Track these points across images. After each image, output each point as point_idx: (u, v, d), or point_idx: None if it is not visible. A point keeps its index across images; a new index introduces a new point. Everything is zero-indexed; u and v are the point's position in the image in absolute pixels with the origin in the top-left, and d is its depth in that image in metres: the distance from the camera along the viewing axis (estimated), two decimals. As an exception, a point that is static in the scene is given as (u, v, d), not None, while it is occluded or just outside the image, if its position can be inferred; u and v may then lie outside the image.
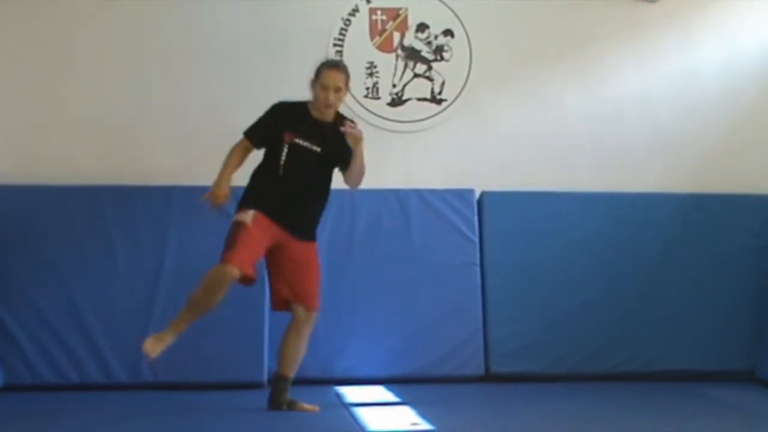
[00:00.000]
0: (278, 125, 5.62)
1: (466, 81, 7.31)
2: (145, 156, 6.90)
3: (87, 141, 6.90)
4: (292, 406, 5.52)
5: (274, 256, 5.64)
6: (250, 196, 5.60)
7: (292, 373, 5.62)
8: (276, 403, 5.53)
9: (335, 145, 5.66)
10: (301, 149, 5.59)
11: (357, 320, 6.72)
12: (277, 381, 5.61)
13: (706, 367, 6.95)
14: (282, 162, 5.56)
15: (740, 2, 7.63)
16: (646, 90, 7.47)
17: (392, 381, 6.59)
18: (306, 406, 5.53)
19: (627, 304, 6.98)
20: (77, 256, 6.52)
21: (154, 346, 5.24)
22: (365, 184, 6.72)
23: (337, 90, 5.62)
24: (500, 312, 6.88)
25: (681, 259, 7.09)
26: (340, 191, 6.72)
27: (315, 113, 5.68)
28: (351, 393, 6.26)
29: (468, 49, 7.33)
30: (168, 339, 5.30)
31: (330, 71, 5.65)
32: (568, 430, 5.08)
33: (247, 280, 5.45)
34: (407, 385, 6.50)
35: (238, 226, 5.42)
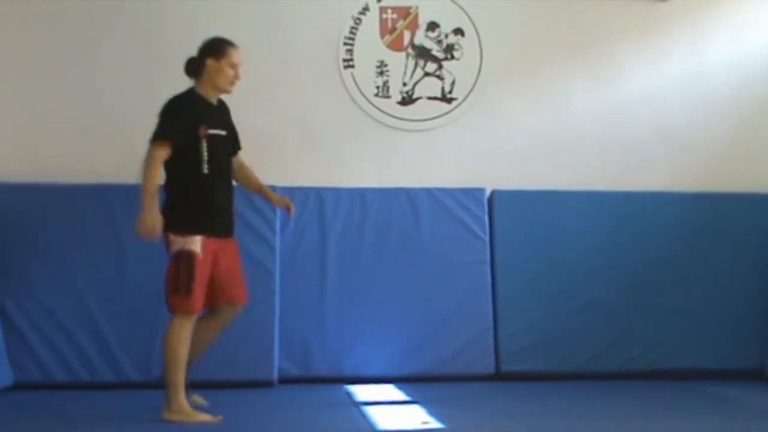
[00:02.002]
0: (188, 121, 5.38)
1: (477, 80, 7.31)
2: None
3: (96, 139, 6.91)
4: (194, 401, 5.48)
5: (209, 266, 5.44)
6: (187, 216, 5.33)
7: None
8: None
9: (229, 123, 5.64)
10: (215, 139, 5.42)
11: (367, 319, 6.73)
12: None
13: (715, 365, 6.94)
14: (205, 158, 5.35)
15: (750, 0, 7.61)
16: (656, 89, 7.46)
17: (402, 379, 6.61)
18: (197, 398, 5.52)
19: (636, 303, 6.98)
20: (87, 254, 6.53)
21: (180, 416, 5.19)
22: (376, 183, 6.77)
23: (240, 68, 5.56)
24: (510, 310, 6.88)
25: (691, 257, 7.09)
26: (350, 191, 6.76)
27: (208, 97, 5.54)
28: (361, 391, 6.28)
29: (478, 48, 7.33)
30: (177, 404, 5.21)
31: (236, 49, 5.55)
32: (578, 428, 5.09)
33: None
34: (417, 383, 6.51)
35: (190, 259, 5.23)
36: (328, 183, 6.89)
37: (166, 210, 5.32)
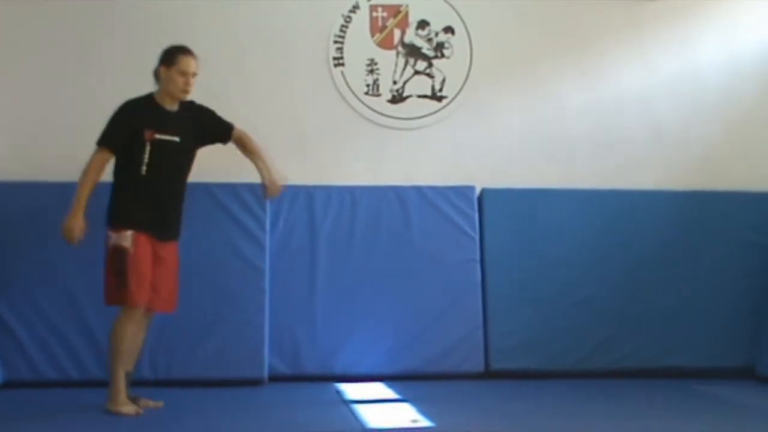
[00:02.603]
0: (134, 125, 5.49)
1: (467, 78, 7.31)
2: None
3: (89, 137, 6.87)
4: (136, 401, 5.49)
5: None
6: (121, 212, 5.46)
7: (132, 367, 5.61)
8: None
9: (190, 130, 5.67)
10: (162, 144, 5.50)
11: (357, 317, 6.73)
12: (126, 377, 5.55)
13: (705, 364, 6.95)
14: (145, 161, 5.44)
15: (740, 0, 7.62)
16: (646, 87, 7.47)
17: (392, 378, 6.60)
18: (150, 402, 5.54)
19: (626, 301, 6.98)
20: (78, 252, 6.49)
21: (120, 407, 5.31)
22: (366, 181, 6.76)
23: (194, 76, 5.62)
24: (500, 309, 6.88)
25: (681, 256, 7.09)
26: (340, 189, 6.75)
27: (165, 103, 5.62)
28: (351, 390, 6.27)
29: (468, 47, 7.33)
30: (120, 394, 5.34)
31: (188, 57, 5.60)
32: (568, 426, 5.09)
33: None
34: (407, 381, 6.50)
35: (122, 254, 5.35)
36: (317, 181, 6.89)
37: (108, 206, 5.51)
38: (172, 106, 5.64)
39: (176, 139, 5.57)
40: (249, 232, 6.59)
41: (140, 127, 5.47)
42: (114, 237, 5.38)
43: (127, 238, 5.35)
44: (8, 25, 6.94)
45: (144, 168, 5.44)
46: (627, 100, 7.46)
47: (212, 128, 5.83)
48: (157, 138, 5.48)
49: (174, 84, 5.57)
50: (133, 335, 5.40)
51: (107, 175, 5.62)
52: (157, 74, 5.65)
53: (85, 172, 5.47)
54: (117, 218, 5.44)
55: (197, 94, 6.82)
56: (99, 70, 6.98)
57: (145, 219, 5.43)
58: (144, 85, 6.93)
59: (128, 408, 5.29)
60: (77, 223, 5.41)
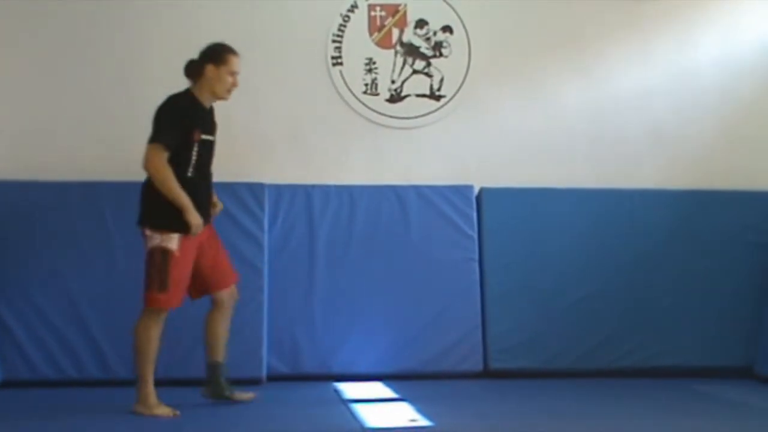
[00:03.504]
0: (186, 124, 5.43)
1: (465, 77, 7.31)
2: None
3: (87, 137, 6.90)
4: (232, 394, 5.59)
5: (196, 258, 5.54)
6: (169, 214, 5.33)
7: (223, 358, 5.64)
8: (220, 389, 5.59)
9: (215, 130, 5.68)
10: (205, 144, 5.50)
11: (355, 316, 6.73)
12: (217, 368, 5.62)
13: (704, 363, 6.95)
14: (192, 163, 5.41)
15: (740, 0, 7.63)
16: (645, 86, 7.46)
17: (391, 377, 6.61)
18: (245, 395, 5.62)
19: (625, 301, 6.99)
20: (76, 251, 6.52)
21: (154, 410, 5.31)
22: (364, 180, 6.76)
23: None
24: (499, 308, 6.88)
25: (679, 255, 7.09)
26: (338, 188, 6.75)
27: (204, 101, 5.57)
28: (349, 389, 6.28)
29: (467, 46, 7.33)
30: (150, 396, 5.35)
31: (237, 57, 5.58)
32: (567, 426, 5.09)
33: None
34: (406, 381, 6.51)
35: (166, 256, 5.30)
36: (316, 180, 6.88)
37: (146, 206, 5.42)
38: (208, 104, 5.60)
39: (212, 138, 5.59)
40: (247, 231, 6.58)
41: (190, 127, 5.41)
42: (158, 239, 5.30)
43: (173, 240, 5.29)
44: (7, 26, 6.93)
45: (191, 170, 5.39)
46: (626, 100, 7.45)
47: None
48: (203, 138, 5.46)
49: (222, 83, 5.52)
50: (156, 336, 5.37)
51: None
52: (196, 71, 5.55)
53: (160, 174, 5.30)
54: (162, 221, 5.34)
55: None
56: (98, 70, 6.97)
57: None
58: (136, 84, 6.95)
59: (162, 410, 5.28)
60: (198, 217, 5.33)
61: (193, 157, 5.40)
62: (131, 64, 7.00)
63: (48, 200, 6.58)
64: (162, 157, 5.30)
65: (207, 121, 5.56)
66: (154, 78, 6.98)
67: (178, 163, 5.35)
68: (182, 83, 6.83)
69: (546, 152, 7.30)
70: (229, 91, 5.57)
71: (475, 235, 6.96)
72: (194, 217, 5.30)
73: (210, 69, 5.51)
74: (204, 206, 5.50)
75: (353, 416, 5.29)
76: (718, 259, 7.11)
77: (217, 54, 5.54)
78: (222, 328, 5.65)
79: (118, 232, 6.54)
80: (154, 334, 5.34)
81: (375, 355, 6.71)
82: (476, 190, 7.05)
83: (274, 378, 6.52)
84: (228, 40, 6.81)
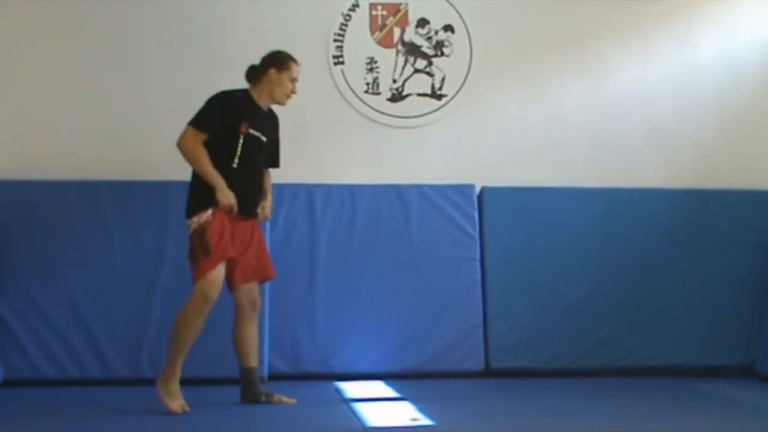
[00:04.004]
0: (230, 115, 5.57)
1: (467, 76, 7.31)
2: (145, 151, 6.89)
3: (87, 136, 6.90)
4: (270, 397, 5.59)
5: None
6: (202, 198, 5.48)
7: (255, 363, 5.68)
8: (253, 395, 5.60)
9: (272, 134, 5.82)
10: (253, 140, 5.61)
11: (357, 315, 6.73)
12: (246, 374, 5.65)
13: (705, 362, 6.95)
14: (238, 153, 5.53)
15: (740, 0, 7.63)
16: (645, 86, 7.47)
17: (392, 376, 6.60)
18: (284, 398, 5.59)
19: (626, 300, 6.99)
20: (77, 250, 6.52)
21: (167, 398, 5.32)
22: (366, 180, 6.76)
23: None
24: (500, 307, 6.88)
25: (680, 254, 7.10)
26: (339, 187, 6.75)
27: (261, 102, 5.71)
28: (350, 388, 6.27)
29: (468, 45, 7.33)
30: (170, 383, 5.36)
31: (298, 65, 5.76)
32: (568, 425, 5.09)
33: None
34: (407, 380, 6.51)
35: (204, 228, 5.40)
36: (317, 180, 6.88)
37: (187, 201, 5.54)
38: (264, 107, 5.75)
39: (264, 138, 5.69)
40: (248, 230, 6.59)
41: (237, 119, 5.55)
42: (195, 221, 5.42)
43: (207, 213, 5.39)
44: (9, 25, 6.94)
45: (236, 161, 5.52)
46: (626, 99, 7.46)
47: (272, 150, 5.90)
48: (251, 133, 5.58)
49: (282, 88, 5.69)
50: (199, 326, 5.38)
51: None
52: (258, 74, 5.72)
53: (193, 154, 5.49)
54: (197, 203, 5.48)
55: (190, 91, 6.85)
56: (98, 70, 6.97)
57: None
58: (143, 81, 6.95)
59: (174, 403, 5.29)
60: (228, 193, 5.43)
61: (239, 149, 5.53)
62: (131, 63, 7.00)
63: (48, 199, 6.58)
64: (194, 137, 5.49)
65: (259, 120, 5.69)
66: (153, 77, 7.00)
67: (222, 152, 5.52)
68: (182, 80, 6.87)
69: (547, 151, 7.31)
70: (287, 96, 5.74)
71: (477, 234, 6.96)
72: (224, 196, 5.41)
73: (272, 73, 5.68)
74: (246, 198, 5.58)
75: (354, 415, 5.27)
76: (719, 258, 7.12)
77: (280, 60, 5.73)
78: (246, 332, 5.67)
79: (118, 231, 6.55)
80: (195, 321, 5.35)
81: (376, 354, 6.71)
82: (477, 189, 7.06)
83: (276, 377, 6.51)
84: (229, 39, 6.87)
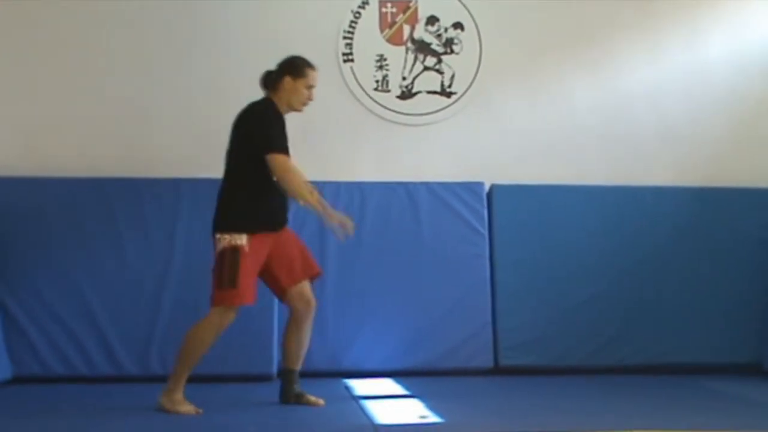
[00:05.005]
0: (284, 129, 5.49)
1: (476, 74, 7.31)
2: (154, 148, 6.91)
3: (96, 134, 6.92)
4: (299, 398, 5.55)
5: (267, 260, 5.52)
6: (238, 216, 5.37)
7: (296, 366, 5.63)
8: (285, 396, 5.57)
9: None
10: (286, 151, 5.49)
11: (366, 313, 6.74)
12: (284, 375, 5.64)
13: (714, 360, 6.96)
14: None
15: (749, -2, 7.65)
16: (656, 83, 7.47)
17: (401, 374, 6.62)
18: (312, 399, 5.55)
19: (635, 298, 6.99)
20: (86, 248, 6.53)
21: (177, 406, 5.27)
22: (375, 177, 6.76)
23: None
24: (509, 305, 6.89)
25: (690, 252, 7.09)
26: (349, 185, 6.74)
27: (282, 110, 5.57)
28: (359, 386, 6.28)
29: (478, 42, 7.33)
30: (177, 393, 5.32)
31: (315, 72, 5.60)
32: (576, 422, 5.08)
33: None
34: (416, 377, 6.52)
35: (236, 252, 5.27)
36: (326, 177, 6.86)
37: (218, 212, 5.41)
38: (284, 113, 5.60)
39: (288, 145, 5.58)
40: (258, 228, 6.60)
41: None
42: (228, 239, 5.28)
43: (242, 238, 5.27)
44: (16, 25, 6.95)
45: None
46: (636, 97, 7.46)
47: None
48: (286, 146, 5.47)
49: (298, 96, 5.56)
50: (210, 344, 5.34)
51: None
52: (274, 82, 5.60)
53: (295, 178, 5.33)
54: (233, 221, 5.35)
55: (200, 89, 6.86)
56: (109, 67, 6.99)
57: (265, 220, 5.42)
58: (153, 79, 6.96)
59: (186, 408, 5.26)
60: (340, 215, 5.42)
61: None
62: (140, 60, 7.01)
63: (58, 197, 6.59)
64: (285, 161, 5.34)
65: (286, 130, 5.54)
66: (162, 74, 7.01)
67: (261, 171, 5.36)
68: (193, 78, 6.88)
69: (557, 149, 7.31)
70: (304, 104, 5.60)
71: (486, 232, 6.96)
72: (335, 217, 5.37)
73: (288, 81, 5.55)
74: (284, 209, 5.54)
75: (364, 413, 5.28)
76: (729, 256, 7.12)
77: (295, 67, 5.59)
78: (298, 334, 5.61)
79: (127, 229, 6.56)
80: (208, 338, 5.30)
81: (385, 351, 6.71)
82: (487, 187, 7.05)
83: (285, 374, 6.52)
84: (238, 37, 6.87)
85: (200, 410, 5.27)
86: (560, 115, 7.37)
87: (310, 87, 5.58)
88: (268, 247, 5.43)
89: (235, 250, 5.25)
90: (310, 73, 5.58)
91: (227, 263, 5.25)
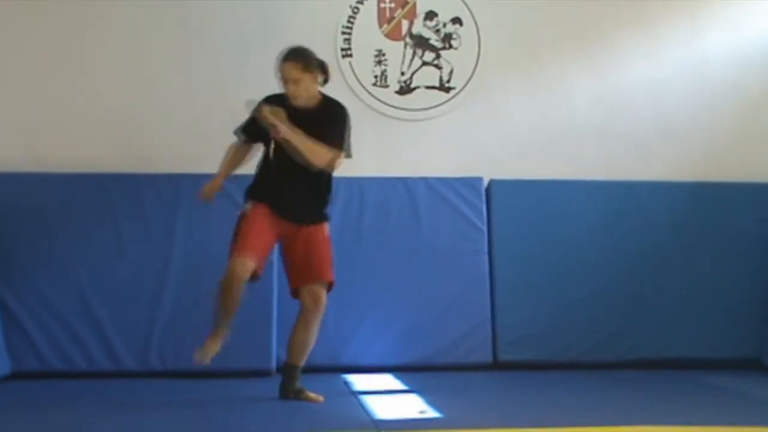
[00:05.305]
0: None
1: (475, 69, 7.31)
2: (154, 144, 6.90)
3: (96, 130, 6.91)
4: (299, 394, 5.55)
5: (284, 248, 5.69)
6: (251, 192, 5.65)
7: (299, 362, 5.63)
8: (284, 391, 5.57)
9: (318, 130, 5.54)
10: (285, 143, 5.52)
11: (365, 308, 6.74)
12: (285, 370, 5.65)
13: (713, 355, 6.95)
14: (271, 156, 5.56)
15: (748, -9, 7.64)
16: (655, 79, 7.46)
17: (400, 369, 6.62)
18: (311, 395, 5.55)
19: (635, 293, 6.99)
20: (86, 244, 6.53)
21: (208, 350, 5.38)
22: (374, 172, 6.74)
23: (295, 81, 5.52)
24: (508, 300, 6.89)
25: (689, 247, 7.09)
26: (347, 180, 6.73)
27: (294, 103, 5.57)
28: (359, 381, 6.29)
29: (476, 37, 7.32)
30: (215, 344, 5.40)
31: (284, 64, 5.54)
32: (575, 417, 5.08)
33: (254, 276, 5.46)
34: (415, 373, 6.52)
35: (240, 218, 5.53)
36: (325, 172, 6.89)
37: (246, 191, 5.73)
38: (305, 105, 5.60)
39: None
40: (256, 224, 6.59)
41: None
42: (245, 206, 5.62)
43: (248, 206, 5.58)
44: (16, 22, 6.94)
45: (271, 164, 5.61)
46: (635, 92, 7.46)
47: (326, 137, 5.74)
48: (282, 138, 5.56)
49: (285, 89, 5.58)
50: (233, 299, 5.37)
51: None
52: None
53: (225, 153, 5.83)
54: (249, 194, 5.67)
55: (200, 85, 6.85)
56: (108, 62, 6.99)
57: (268, 199, 5.57)
58: (152, 75, 6.96)
59: (212, 345, 5.39)
60: (212, 186, 5.76)
61: (271, 151, 5.63)
62: (139, 55, 7.01)
63: (58, 193, 6.59)
64: (234, 143, 5.84)
65: (294, 120, 5.53)
66: (164, 70, 7.01)
67: (264, 155, 5.69)
68: (192, 74, 6.87)
69: (556, 144, 7.30)
70: (292, 95, 5.56)
71: (485, 227, 6.95)
72: (208, 183, 5.78)
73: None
74: (283, 203, 5.61)
75: (363, 408, 5.30)
76: (727, 251, 7.11)
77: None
78: (302, 331, 5.63)
79: (126, 224, 6.56)
80: (226, 292, 5.35)
81: (384, 347, 6.72)
82: (486, 182, 7.05)
83: (284, 370, 6.52)
84: (237, 32, 6.85)
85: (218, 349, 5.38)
86: (559, 110, 7.37)
87: (284, 80, 5.55)
88: (277, 225, 5.55)
89: (243, 215, 5.55)
90: (280, 65, 5.57)
91: (236, 225, 5.54)
